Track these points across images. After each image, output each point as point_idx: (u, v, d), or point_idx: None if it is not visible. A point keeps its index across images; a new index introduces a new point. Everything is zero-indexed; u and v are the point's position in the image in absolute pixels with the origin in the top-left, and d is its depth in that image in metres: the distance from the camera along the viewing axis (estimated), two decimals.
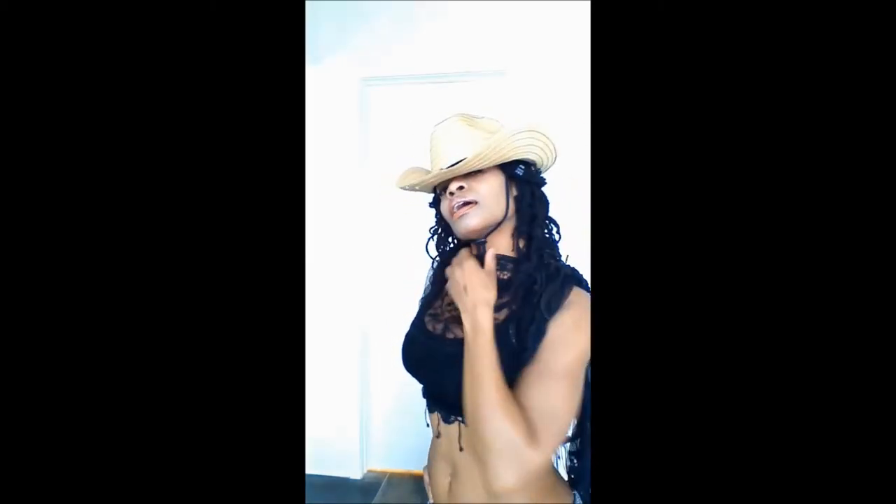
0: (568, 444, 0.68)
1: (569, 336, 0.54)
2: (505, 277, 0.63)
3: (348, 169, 1.96)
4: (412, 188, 0.70)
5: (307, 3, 1.68)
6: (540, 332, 0.55)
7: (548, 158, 0.66)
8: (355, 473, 2.01)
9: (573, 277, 0.61)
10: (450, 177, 0.62)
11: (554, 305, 0.56)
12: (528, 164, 0.64)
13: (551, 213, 0.67)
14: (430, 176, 0.63)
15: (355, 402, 2.00)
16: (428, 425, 0.68)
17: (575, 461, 0.67)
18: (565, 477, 0.68)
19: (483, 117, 0.68)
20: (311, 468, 1.96)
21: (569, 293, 0.58)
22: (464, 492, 0.62)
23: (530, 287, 0.59)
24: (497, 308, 0.59)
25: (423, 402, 0.70)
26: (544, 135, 0.62)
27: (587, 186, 1.45)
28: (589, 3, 1.37)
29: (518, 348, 0.56)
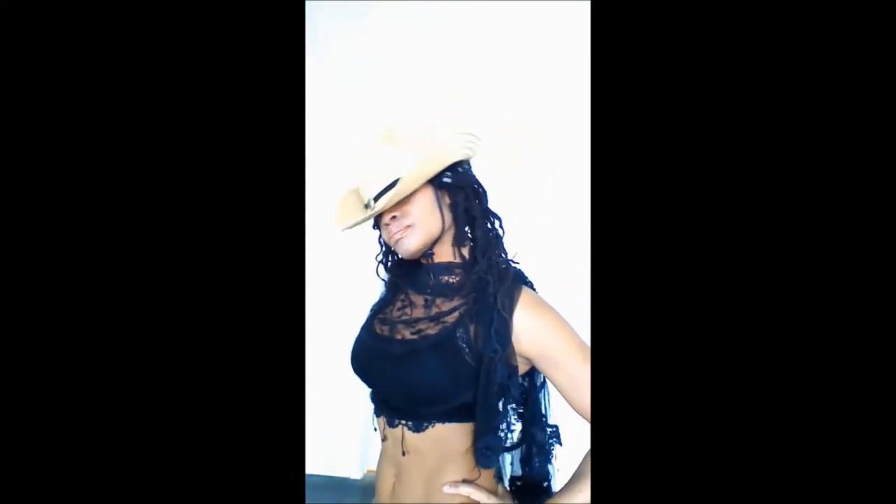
0: (513, 452, 0.69)
1: (537, 327, 0.57)
2: (453, 281, 0.63)
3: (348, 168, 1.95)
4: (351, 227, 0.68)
5: (307, 3, 1.68)
6: (502, 332, 0.56)
7: (472, 149, 0.64)
8: (355, 473, 2.01)
9: (519, 277, 0.63)
10: (381, 212, 0.61)
11: (508, 304, 0.58)
12: (454, 167, 0.62)
13: (498, 208, 0.66)
14: (364, 216, 0.62)
15: (355, 402, 2.00)
16: (375, 429, 0.68)
17: (527, 468, 0.68)
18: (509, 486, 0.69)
19: (396, 127, 0.66)
20: (311, 468, 1.96)
21: (518, 294, 0.59)
22: (405, 493, 0.63)
23: (483, 289, 0.60)
24: (448, 312, 0.60)
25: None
26: (468, 133, 0.61)
27: (587, 186, 1.45)
28: (589, 3, 1.37)
29: (476, 350, 0.57)
